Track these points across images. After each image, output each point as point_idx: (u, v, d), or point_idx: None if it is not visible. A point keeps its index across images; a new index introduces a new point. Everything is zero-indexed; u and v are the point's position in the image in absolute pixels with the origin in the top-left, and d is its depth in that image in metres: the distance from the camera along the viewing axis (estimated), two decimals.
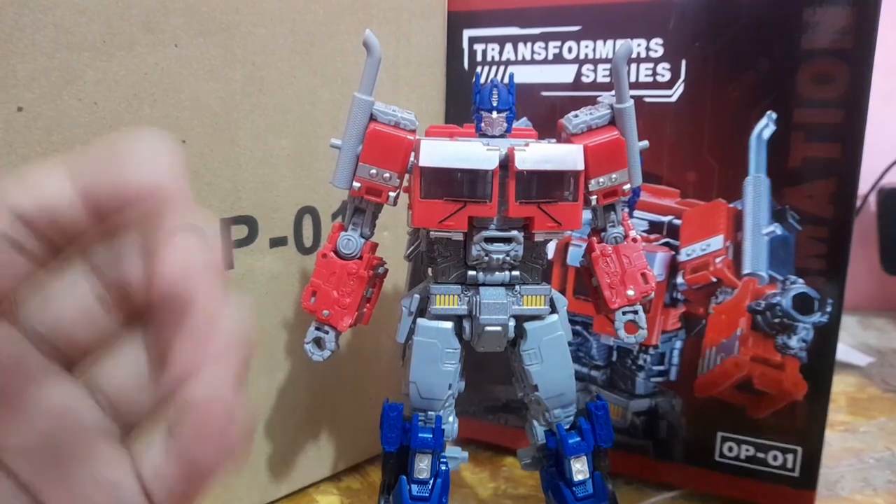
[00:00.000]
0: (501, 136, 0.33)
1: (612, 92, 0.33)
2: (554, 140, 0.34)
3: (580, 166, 0.32)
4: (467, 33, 0.48)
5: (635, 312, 0.34)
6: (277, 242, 0.41)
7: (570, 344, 0.35)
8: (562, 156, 0.31)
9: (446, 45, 0.49)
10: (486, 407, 0.52)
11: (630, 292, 0.34)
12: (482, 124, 0.33)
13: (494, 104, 0.32)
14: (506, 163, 0.31)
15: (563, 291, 0.45)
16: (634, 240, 0.35)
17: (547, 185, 0.32)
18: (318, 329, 0.34)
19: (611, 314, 0.35)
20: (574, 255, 0.46)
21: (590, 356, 0.48)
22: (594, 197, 0.33)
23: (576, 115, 0.33)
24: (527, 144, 0.31)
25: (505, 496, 0.47)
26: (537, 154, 0.31)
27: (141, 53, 0.34)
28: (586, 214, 0.34)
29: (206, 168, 0.37)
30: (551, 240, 0.33)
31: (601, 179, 0.33)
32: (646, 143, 0.34)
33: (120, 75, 0.33)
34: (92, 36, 0.32)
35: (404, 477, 0.33)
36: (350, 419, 0.48)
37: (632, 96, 0.33)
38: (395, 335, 0.35)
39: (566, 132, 0.33)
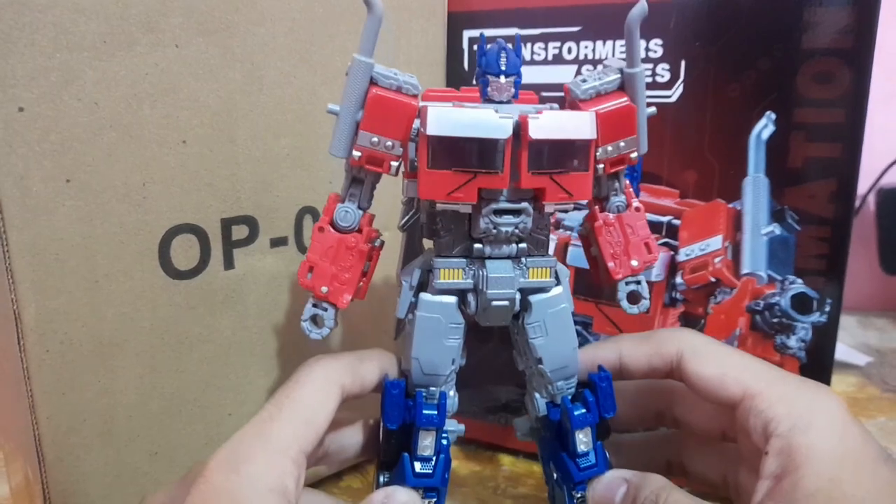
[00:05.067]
0: (508, 101, 0.31)
1: (622, 55, 0.32)
2: (556, 105, 0.33)
3: (594, 135, 0.30)
4: (467, 34, 0.48)
5: (638, 283, 0.34)
6: (278, 242, 0.41)
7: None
8: (576, 124, 0.30)
9: (446, 46, 0.49)
10: (486, 407, 0.52)
11: (634, 262, 0.33)
12: (488, 89, 0.31)
13: (503, 68, 0.30)
14: (517, 131, 0.29)
15: None
16: (637, 209, 0.34)
17: (559, 154, 0.30)
18: (315, 306, 0.33)
19: (614, 284, 0.34)
20: (574, 256, 0.46)
21: None
22: (601, 165, 0.32)
23: (584, 80, 0.32)
24: (539, 112, 0.30)
25: (505, 495, 0.47)
26: (552, 122, 0.29)
27: (141, 53, 0.34)
28: None
29: (206, 168, 0.37)
30: (559, 211, 0.32)
31: (609, 147, 0.31)
32: (653, 109, 0.32)
33: (120, 75, 0.33)
34: (92, 36, 0.32)
35: (406, 455, 0.33)
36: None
37: None
38: (391, 332, 0.35)
39: (573, 96, 0.32)
